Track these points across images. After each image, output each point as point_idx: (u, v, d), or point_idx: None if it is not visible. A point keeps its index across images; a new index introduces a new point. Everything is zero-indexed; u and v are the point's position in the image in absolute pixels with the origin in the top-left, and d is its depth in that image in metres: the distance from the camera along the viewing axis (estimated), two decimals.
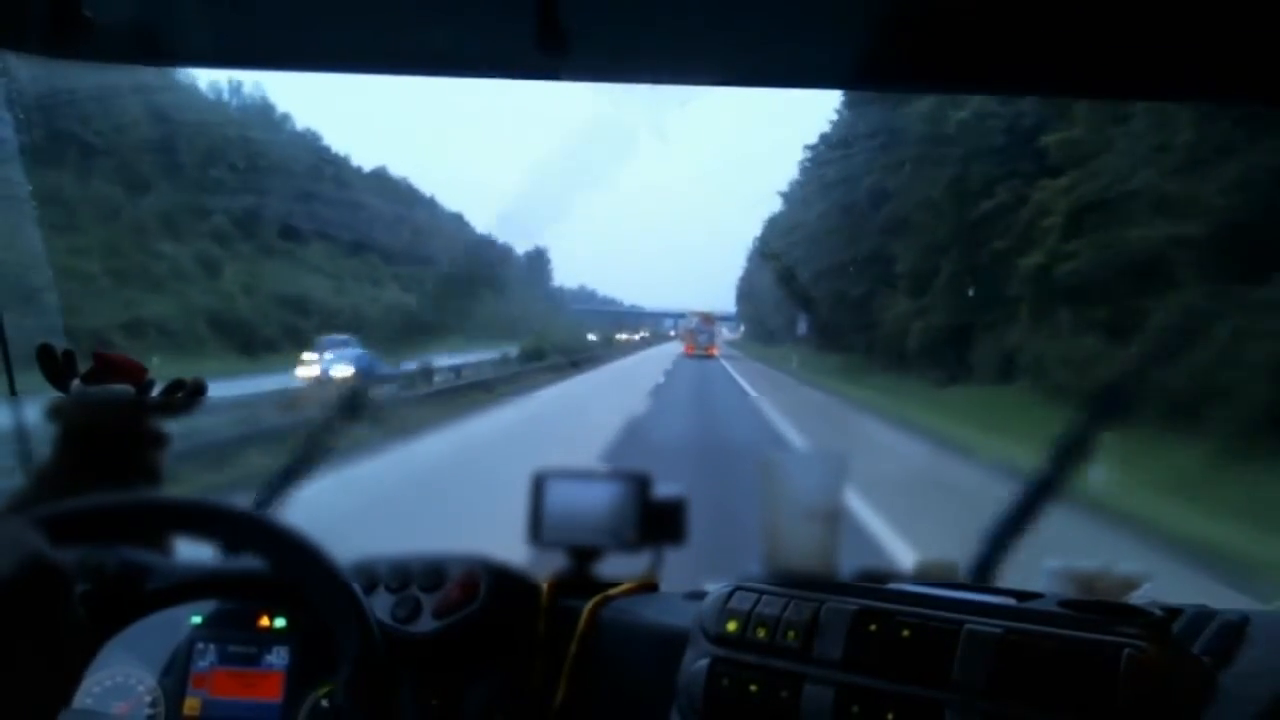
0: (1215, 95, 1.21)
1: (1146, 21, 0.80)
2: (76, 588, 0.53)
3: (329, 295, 28.59)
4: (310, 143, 34.83)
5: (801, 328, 27.93)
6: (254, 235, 27.72)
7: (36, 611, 0.50)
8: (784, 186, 35.23)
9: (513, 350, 24.49)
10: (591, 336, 44.32)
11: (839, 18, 0.87)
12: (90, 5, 0.85)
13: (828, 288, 24.49)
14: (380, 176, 41.46)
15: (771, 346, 35.89)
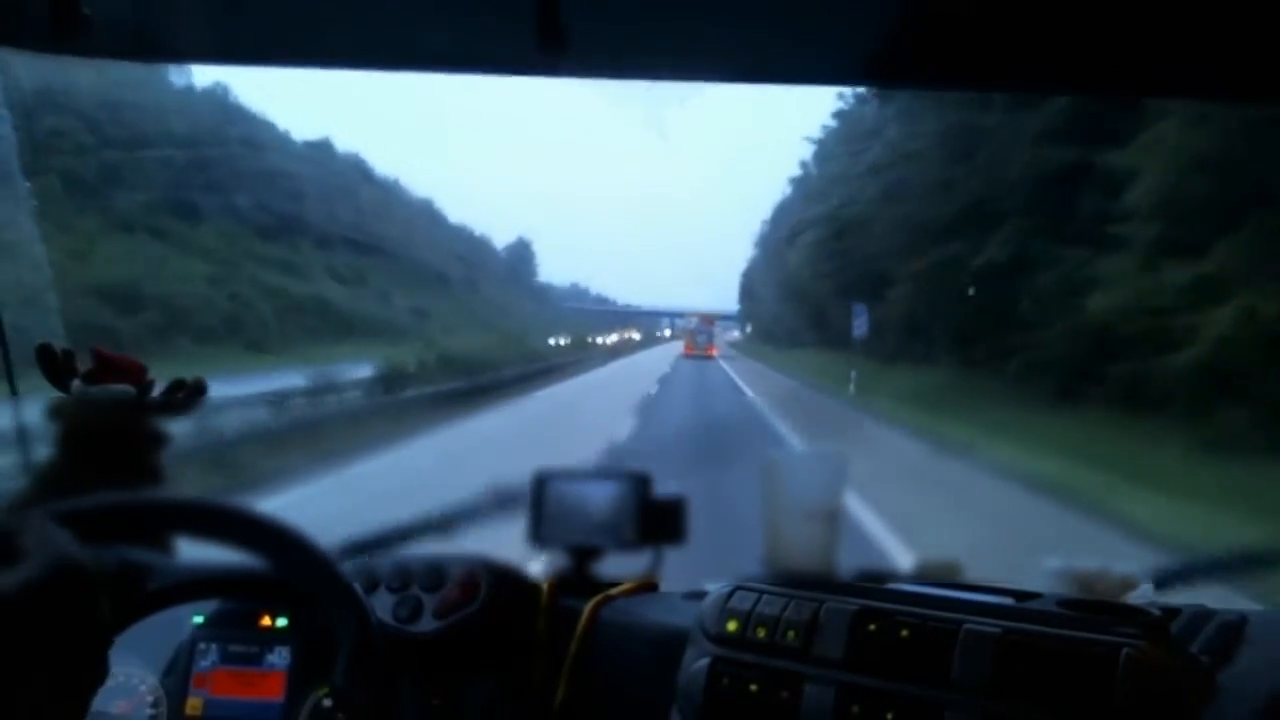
0: (1226, 94, 1.22)
1: (1157, 19, 0.81)
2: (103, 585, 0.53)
3: (201, 285, 21.80)
4: (217, 99, 27.87)
5: (860, 327, 18.54)
6: (110, 206, 21.03)
7: (67, 610, 0.50)
8: (806, 152, 30.13)
9: (367, 369, 15.00)
10: (554, 340, 35.02)
11: (839, 15, 0.87)
12: (89, 2, 0.85)
13: (908, 263, 15.45)
14: (321, 149, 35.24)
15: (784, 350, 30.28)
